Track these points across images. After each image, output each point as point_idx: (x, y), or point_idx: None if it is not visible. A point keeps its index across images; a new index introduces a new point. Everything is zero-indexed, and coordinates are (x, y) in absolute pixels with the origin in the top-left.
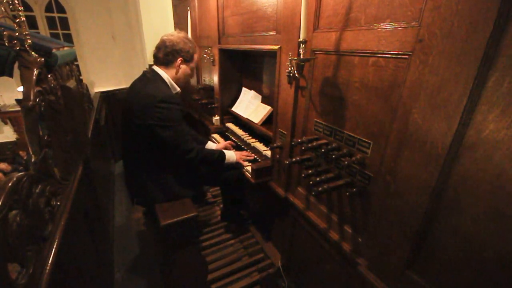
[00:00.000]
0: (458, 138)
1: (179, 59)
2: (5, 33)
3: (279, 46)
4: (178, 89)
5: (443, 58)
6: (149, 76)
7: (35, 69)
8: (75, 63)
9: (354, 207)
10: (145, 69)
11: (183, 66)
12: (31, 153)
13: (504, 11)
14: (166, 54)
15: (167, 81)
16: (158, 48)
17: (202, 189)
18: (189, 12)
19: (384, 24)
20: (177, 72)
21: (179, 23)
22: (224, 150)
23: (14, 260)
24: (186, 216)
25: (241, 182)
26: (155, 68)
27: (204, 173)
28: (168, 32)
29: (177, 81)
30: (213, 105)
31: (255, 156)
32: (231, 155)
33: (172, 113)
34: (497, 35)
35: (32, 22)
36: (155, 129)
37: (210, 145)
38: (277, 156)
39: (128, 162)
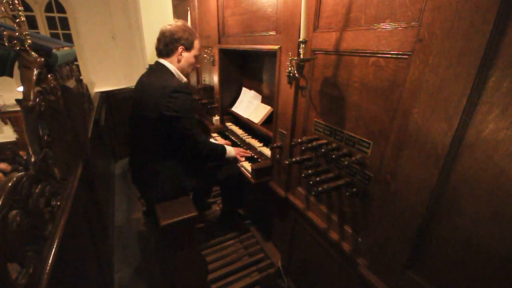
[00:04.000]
0: (458, 138)
1: (180, 47)
2: (5, 33)
3: (279, 46)
4: (185, 79)
5: (443, 58)
6: (156, 69)
7: (35, 69)
8: (75, 63)
9: (354, 207)
10: (146, 67)
11: (185, 54)
12: (31, 153)
13: (504, 11)
14: (166, 44)
15: (173, 72)
16: (158, 39)
17: (207, 184)
18: (189, 12)
19: (384, 24)
20: (179, 61)
21: None
22: (225, 145)
23: (14, 260)
24: (186, 216)
25: (241, 181)
26: (160, 60)
27: (209, 167)
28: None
29: (182, 70)
30: (213, 105)
31: (252, 154)
32: (230, 150)
33: (185, 103)
34: (497, 35)
35: (32, 22)
36: (169, 120)
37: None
38: (277, 156)
39: (137, 157)
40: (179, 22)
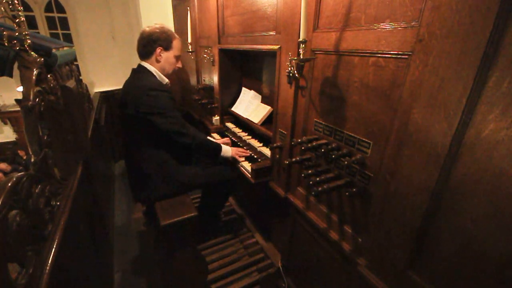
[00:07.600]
0: (458, 138)
1: (158, 48)
2: (5, 33)
3: (279, 46)
4: (167, 80)
5: (443, 58)
6: (138, 71)
7: (34, 69)
8: (75, 63)
9: (354, 207)
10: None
11: (164, 54)
12: (31, 153)
13: (504, 11)
14: (144, 45)
15: (154, 73)
16: (138, 41)
17: (203, 183)
18: (189, 12)
19: (384, 24)
20: (158, 61)
21: (179, 23)
22: (221, 144)
23: (14, 260)
24: (186, 216)
25: (234, 181)
26: (142, 63)
27: (204, 165)
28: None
29: (162, 71)
30: (213, 105)
31: (252, 153)
32: (227, 149)
33: (162, 100)
34: (497, 35)
35: (32, 22)
36: (149, 117)
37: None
38: (277, 156)
39: (130, 158)
40: (157, 25)
